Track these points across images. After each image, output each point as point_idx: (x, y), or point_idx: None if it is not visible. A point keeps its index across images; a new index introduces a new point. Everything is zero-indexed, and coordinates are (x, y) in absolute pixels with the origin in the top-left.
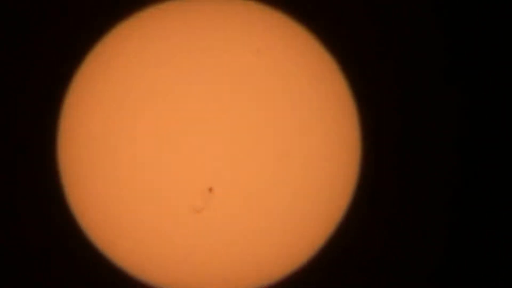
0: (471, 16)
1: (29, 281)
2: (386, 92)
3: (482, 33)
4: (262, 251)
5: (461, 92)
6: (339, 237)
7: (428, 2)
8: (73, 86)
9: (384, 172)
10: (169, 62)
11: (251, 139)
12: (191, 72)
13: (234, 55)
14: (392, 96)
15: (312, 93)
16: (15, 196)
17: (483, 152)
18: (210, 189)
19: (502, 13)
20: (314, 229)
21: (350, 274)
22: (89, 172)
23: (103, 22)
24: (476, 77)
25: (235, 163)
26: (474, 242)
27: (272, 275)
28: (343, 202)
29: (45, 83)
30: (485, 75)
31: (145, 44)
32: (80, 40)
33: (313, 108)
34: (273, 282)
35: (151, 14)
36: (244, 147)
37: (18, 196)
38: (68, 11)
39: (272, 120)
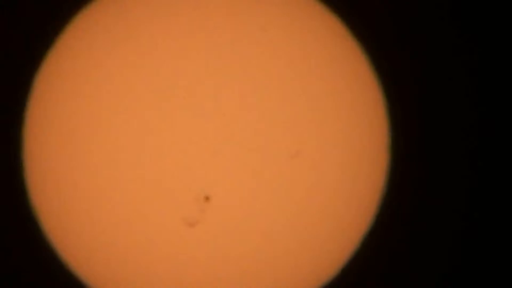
0: None
1: None
2: (412, 75)
3: (509, 12)
4: (270, 277)
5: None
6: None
7: None
8: (39, 79)
9: (412, 173)
10: (156, 46)
11: (258, 135)
12: (183, 56)
13: (237, 33)
14: (418, 84)
15: (335, 82)
16: None
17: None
18: (207, 198)
19: None
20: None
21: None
22: (59, 177)
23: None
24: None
25: (237, 166)
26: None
27: None
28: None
29: (7, 81)
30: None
31: (124, 25)
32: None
33: (335, 100)
34: None
35: None
36: (248, 145)
37: None
38: None
39: (282, 111)
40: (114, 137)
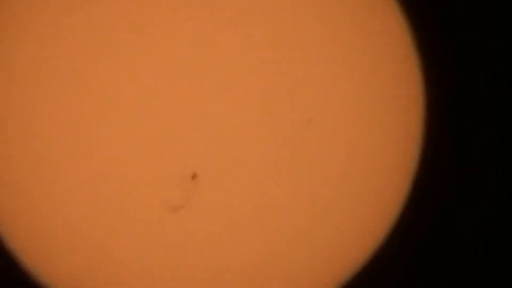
0: None
1: None
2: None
3: None
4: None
5: None
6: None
7: None
8: None
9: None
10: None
11: (260, 101)
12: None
13: None
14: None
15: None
16: None
17: None
18: (194, 176)
19: None
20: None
21: None
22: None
23: None
24: None
25: (233, 133)
26: None
27: None
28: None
29: None
30: None
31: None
32: None
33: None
34: None
35: None
36: (248, 114)
37: None
38: None
39: (292, 78)
40: (84, 109)
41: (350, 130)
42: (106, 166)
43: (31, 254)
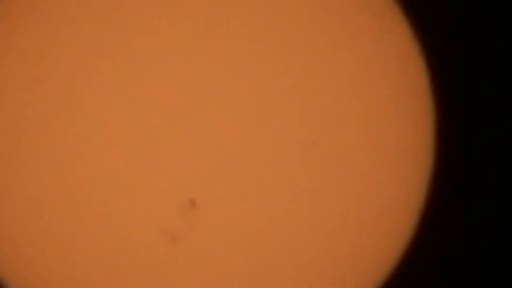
0: None
1: None
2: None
3: None
4: None
5: None
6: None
7: None
8: None
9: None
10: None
11: (261, 123)
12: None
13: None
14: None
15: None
16: None
17: None
18: (193, 202)
19: None
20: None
21: None
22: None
23: None
24: None
25: (233, 161)
26: None
27: None
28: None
29: None
30: None
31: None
32: None
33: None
34: None
35: None
36: (250, 137)
37: None
38: None
39: (299, 97)
40: (85, 134)
41: (356, 155)
42: (102, 194)
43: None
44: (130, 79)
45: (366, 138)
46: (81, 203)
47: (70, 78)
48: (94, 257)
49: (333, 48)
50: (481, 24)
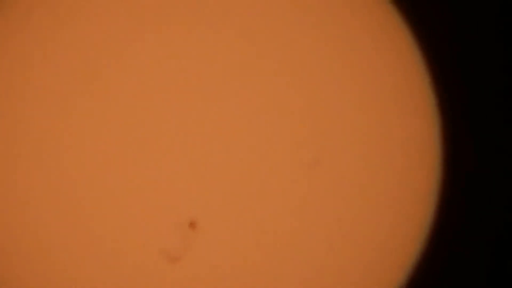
0: None
1: None
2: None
3: None
4: None
5: None
6: None
7: None
8: None
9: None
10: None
11: (264, 138)
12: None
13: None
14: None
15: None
16: None
17: None
18: (192, 223)
19: None
20: None
21: None
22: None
23: None
24: None
25: (236, 179)
26: None
27: None
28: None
29: None
30: None
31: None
32: None
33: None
34: None
35: None
36: (252, 155)
37: None
38: None
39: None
40: (81, 156)
41: (359, 172)
42: (102, 213)
43: None
44: (129, 91)
45: (373, 140)
46: (82, 223)
47: (70, 80)
48: (93, 276)
49: (335, 54)
50: (481, 24)
